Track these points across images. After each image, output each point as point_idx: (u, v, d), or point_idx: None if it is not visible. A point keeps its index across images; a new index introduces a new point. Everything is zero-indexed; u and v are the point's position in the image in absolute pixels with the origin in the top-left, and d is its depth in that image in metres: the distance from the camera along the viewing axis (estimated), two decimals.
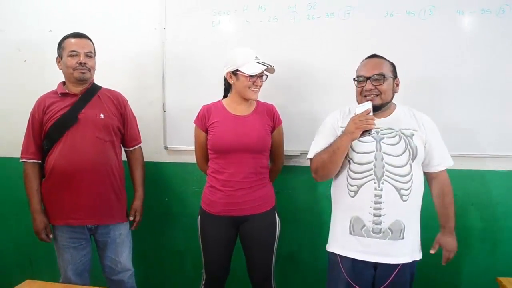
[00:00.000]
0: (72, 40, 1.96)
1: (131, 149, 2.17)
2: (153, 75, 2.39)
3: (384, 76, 1.66)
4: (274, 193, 2.04)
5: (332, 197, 1.80)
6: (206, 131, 1.98)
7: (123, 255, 2.09)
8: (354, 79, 1.73)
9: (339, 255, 1.71)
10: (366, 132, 1.58)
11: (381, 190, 1.62)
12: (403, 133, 1.67)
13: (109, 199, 2.02)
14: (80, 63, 1.94)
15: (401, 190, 1.62)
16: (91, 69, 1.99)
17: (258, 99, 2.00)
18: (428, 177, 1.76)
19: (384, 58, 1.73)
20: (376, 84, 1.66)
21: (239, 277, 2.12)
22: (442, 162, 1.71)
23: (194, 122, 2.02)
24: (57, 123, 1.95)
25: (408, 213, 1.65)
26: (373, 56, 1.74)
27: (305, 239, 2.36)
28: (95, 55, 2.03)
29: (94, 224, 2.01)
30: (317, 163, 1.70)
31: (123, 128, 2.11)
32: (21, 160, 2.01)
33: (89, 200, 1.96)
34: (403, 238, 1.63)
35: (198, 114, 2.01)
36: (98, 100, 2.03)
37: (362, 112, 1.59)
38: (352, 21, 2.13)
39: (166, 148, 2.44)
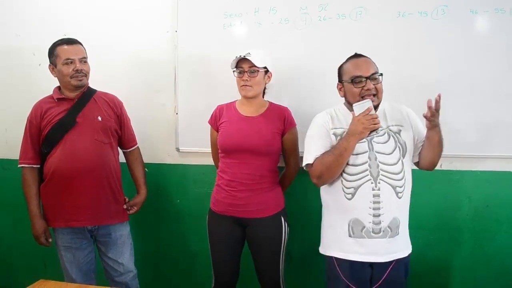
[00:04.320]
0: (66, 47, 1.97)
1: (129, 150, 2.20)
2: (165, 77, 2.40)
3: (381, 75, 1.67)
4: (282, 198, 2.02)
5: (324, 202, 1.80)
6: (217, 131, 1.99)
7: (125, 256, 2.10)
8: (349, 81, 1.68)
9: (335, 257, 1.71)
10: (374, 131, 1.58)
11: (379, 189, 1.63)
12: (391, 130, 1.69)
13: (108, 201, 2.04)
14: (77, 70, 1.95)
15: (396, 188, 1.64)
16: (86, 74, 2.01)
17: (271, 101, 2.01)
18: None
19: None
20: (374, 83, 1.65)
21: (250, 282, 2.11)
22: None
23: (208, 121, 2.05)
24: (55, 127, 1.96)
25: (402, 209, 1.68)
26: (360, 55, 1.72)
27: (316, 242, 2.33)
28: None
29: (94, 225, 2.03)
30: (321, 167, 1.65)
31: (120, 130, 2.12)
32: (19, 166, 2.01)
33: (89, 202, 1.98)
34: (398, 234, 1.65)
35: (212, 113, 2.03)
36: (94, 103, 2.05)
37: (364, 111, 1.57)
38: (364, 22, 2.11)
39: (178, 150, 2.44)
